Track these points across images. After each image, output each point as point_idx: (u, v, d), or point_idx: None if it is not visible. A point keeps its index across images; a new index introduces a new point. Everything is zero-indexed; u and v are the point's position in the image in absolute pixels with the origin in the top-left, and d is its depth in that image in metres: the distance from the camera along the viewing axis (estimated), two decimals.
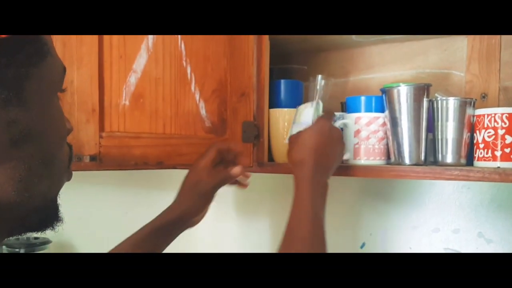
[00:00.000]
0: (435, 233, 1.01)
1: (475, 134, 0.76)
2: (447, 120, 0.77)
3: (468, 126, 0.77)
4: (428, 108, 0.79)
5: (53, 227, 0.44)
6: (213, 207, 0.83)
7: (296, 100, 0.91)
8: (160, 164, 0.76)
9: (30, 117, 0.38)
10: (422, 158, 0.79)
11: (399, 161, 0.80)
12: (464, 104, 0.77)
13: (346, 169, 0.82)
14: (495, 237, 0.96)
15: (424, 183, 1.02)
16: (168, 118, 0.76)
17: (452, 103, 0.77)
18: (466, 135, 0.78)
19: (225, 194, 1.24)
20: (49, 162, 0.41)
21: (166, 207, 0.78)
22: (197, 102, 0.80)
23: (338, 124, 0.83)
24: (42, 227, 0.44)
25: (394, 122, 0.79)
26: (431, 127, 0.80)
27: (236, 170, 0.77)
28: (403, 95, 0.78)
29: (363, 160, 0.82)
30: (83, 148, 0.64)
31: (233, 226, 1.32)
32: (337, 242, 1.07)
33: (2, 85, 0.35)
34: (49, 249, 1.06)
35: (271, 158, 0.91)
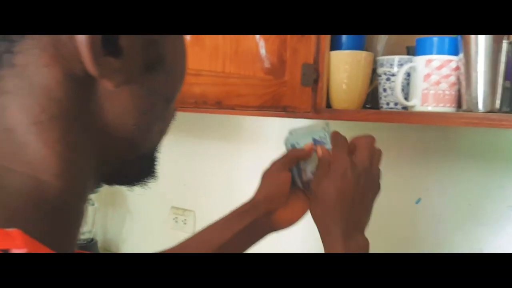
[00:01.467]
0: (498, 190, 0.96)
1: None
2: None
3: None
4: (508, 52, 0.73)
5: (146, 183, 0.40)
6: None
7: (359, 42, 0.86)
8: (219, 104, 0.73)
9: (166, 42, 0.34)
10: (497, 106, 0.74)
11: (471, 109, 0.75)
12: None
13: (413, 116, 0.77)
14: None
15: (490, 135, 0.96)
16: (227, 56, 0.73)
17: None
18: None
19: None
20: (169, 102, 0.38)
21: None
22: (257, 41, 0.77)
23: (405, 68, 0.78)
24: (137, 180, 0.40)
25: (469, 65, 0.73)
26: (508, 75, 0.74)
27: (307, 145, 0.68)
28: (481, 36, 0.71)
29: (431, 106, 0.77)
30: None
31: None
32: (391, 197, 1.03)
33: None
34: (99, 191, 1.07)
35: (329, 105, 0.88)
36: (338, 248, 0.57)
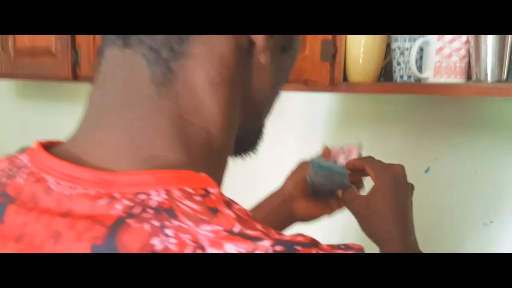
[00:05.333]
0: (505, 157, 1.01)
1: None
2: None
3: None
4: None
5: (249, 155, 0.48)
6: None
7: None
8: None
9: None
10: (505, 76, 0.79)
11: (481, 79, 0.80)
12: None
13: (427, 87, 0.82)
14: None
15: (496, 106, 1.00)
16: None
17: None
18: None
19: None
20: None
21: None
22: None
23: (419, 42, 0.83)
24: (245, 150, 0.47)
25: (478, 39, 0.79)
26: None
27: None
28: None
29: (443, 78, 0.83)
30: None
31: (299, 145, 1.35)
32: None
33: None
34: None
35: (345, 78, 0.93)
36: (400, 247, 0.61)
